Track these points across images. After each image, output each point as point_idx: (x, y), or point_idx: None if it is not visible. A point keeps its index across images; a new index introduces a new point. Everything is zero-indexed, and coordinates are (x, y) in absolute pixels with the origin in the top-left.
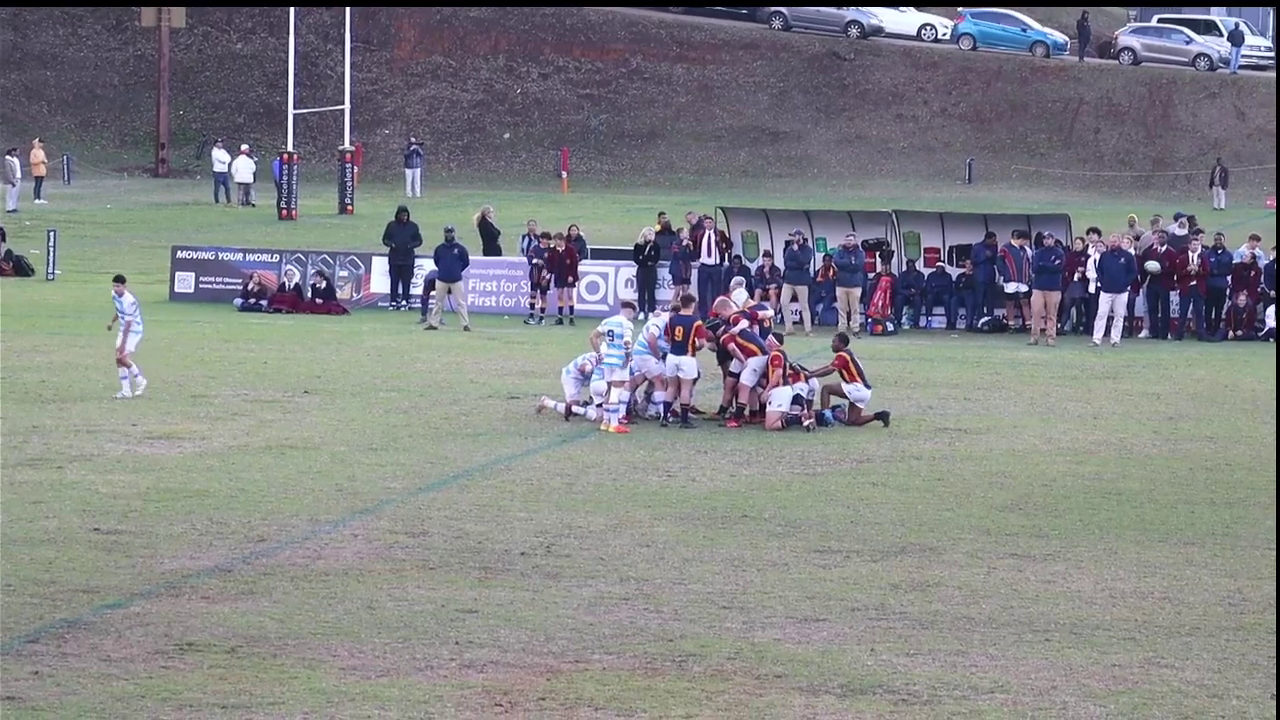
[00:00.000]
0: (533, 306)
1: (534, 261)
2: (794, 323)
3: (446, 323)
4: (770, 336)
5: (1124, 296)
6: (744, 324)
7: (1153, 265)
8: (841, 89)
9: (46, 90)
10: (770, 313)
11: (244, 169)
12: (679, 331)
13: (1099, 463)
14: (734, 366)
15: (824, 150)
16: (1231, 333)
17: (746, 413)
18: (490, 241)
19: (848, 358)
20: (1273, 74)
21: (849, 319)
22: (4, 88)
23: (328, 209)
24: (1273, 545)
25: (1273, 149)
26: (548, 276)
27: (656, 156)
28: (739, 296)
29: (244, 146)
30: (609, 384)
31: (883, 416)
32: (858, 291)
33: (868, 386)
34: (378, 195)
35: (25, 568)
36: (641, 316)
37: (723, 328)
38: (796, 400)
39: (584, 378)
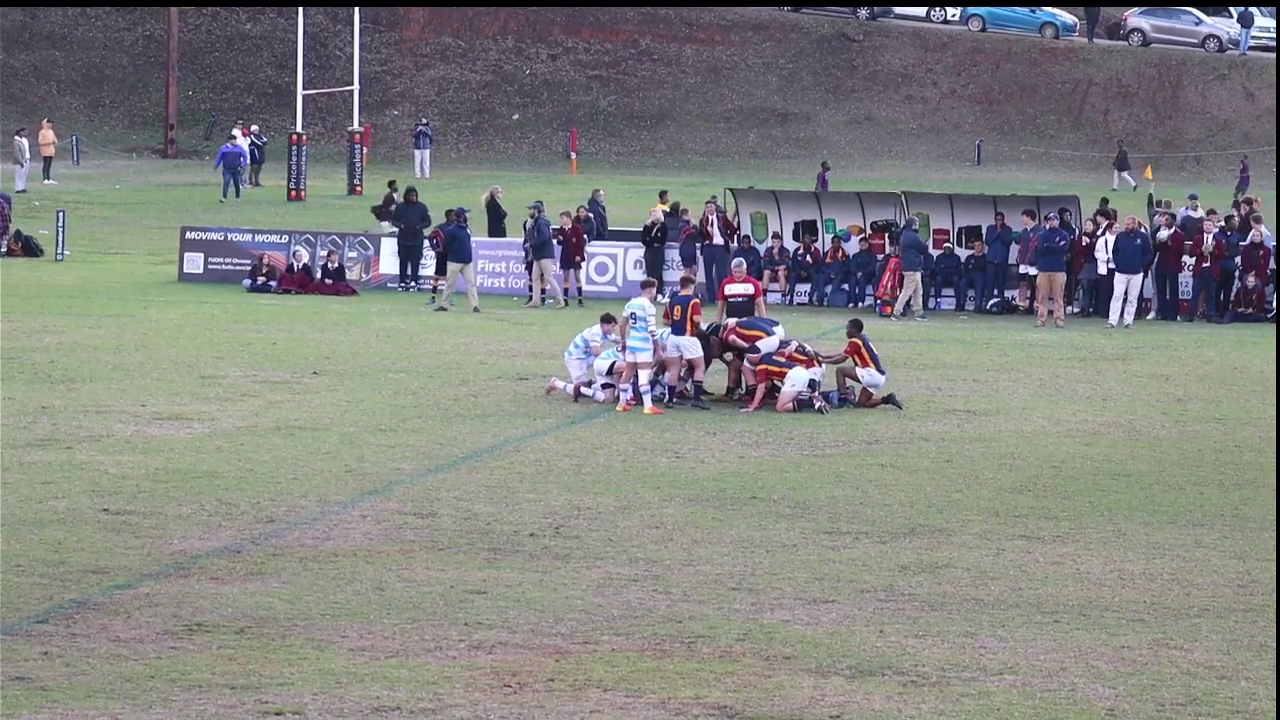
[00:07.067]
0: (530, 288)
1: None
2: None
3: (455, 304)
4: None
5: (1138, 278)
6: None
7: (1162, 234)
8: (850, 70)
9: (55, 70)
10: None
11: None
12: (678, 311)
13: (1108, 444)
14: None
15: (833, 131)
16: (1243, 308)
17: (763, 393)
18: (497, 222)
19: (860, 343)
20: None
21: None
22: (13, 68)
23: (336, 190)
24: None
25: None
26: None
27: (665, 138)
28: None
29: (253, 127)
30: (636, 366)
31: (891, 400)
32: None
33: (881, 372)
34: (387, 176)
35: (34, 548)
36: (661, 298)
37: (722, 328)
38: (810, 385)
39: (590, 357)
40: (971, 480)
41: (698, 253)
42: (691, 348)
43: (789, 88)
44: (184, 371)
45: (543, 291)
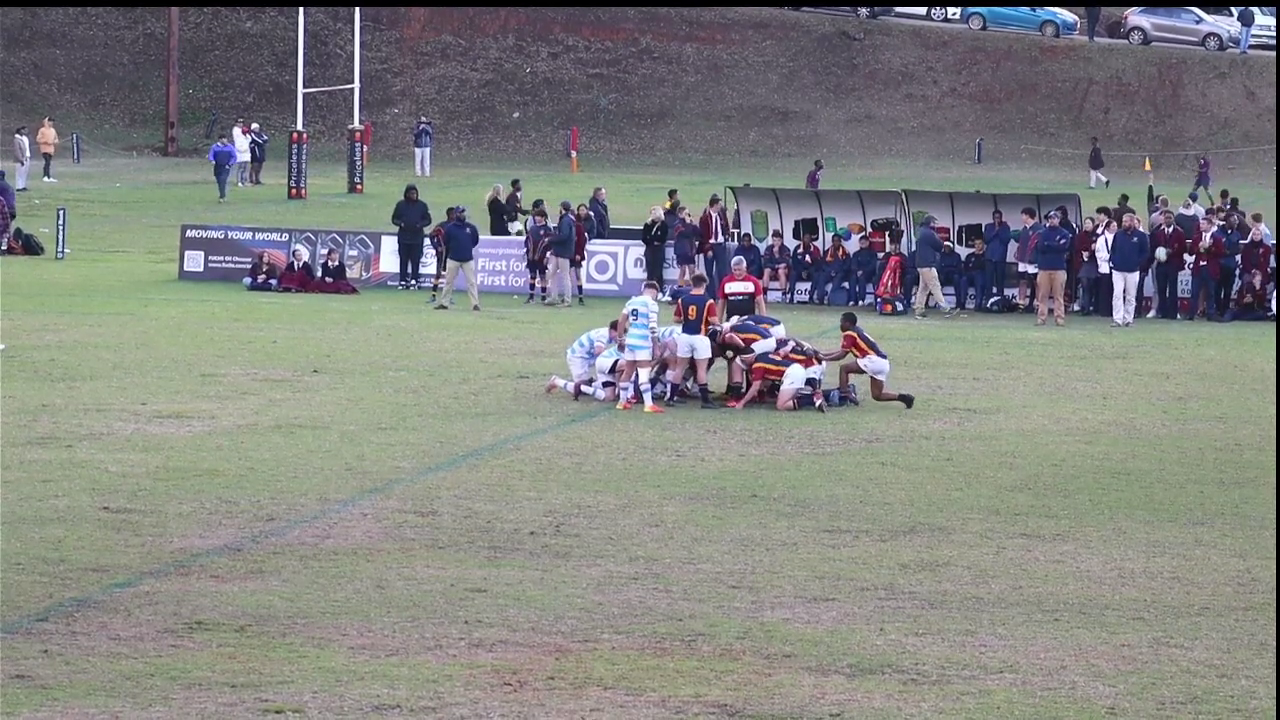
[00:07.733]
0: (532, 287)
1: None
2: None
3: (456, 302)
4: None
5: (1135, 276)
6: (736, 319)
7: (1160, 252)
8: (851, 68)
9: (56, 69)
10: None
11: (243, 147)
12: (692, 310)
13: (1108, 443)
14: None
15: (833, 130)
16: (1243, 299)
17: (755, 391)
18: (500, 221)
19: (855, 335)
20: None
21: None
22: (13, 66)
23: (337, 188)
24: None
25: None
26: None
27: (666, 136)
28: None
29: (254, 126)
30: (635, 365)
31: (906, 399)
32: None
33: (882, 356)
34: (387, 174)
35: (34, 546)
36: (664, 297)
37: (720, 333)
38: (809, 382)
39: (592, 357)
40: (972, 478)
41: (694, 251)
42: (704, 347)
43: (789, 86)
44: (184, 370)
45: (543, 289)
